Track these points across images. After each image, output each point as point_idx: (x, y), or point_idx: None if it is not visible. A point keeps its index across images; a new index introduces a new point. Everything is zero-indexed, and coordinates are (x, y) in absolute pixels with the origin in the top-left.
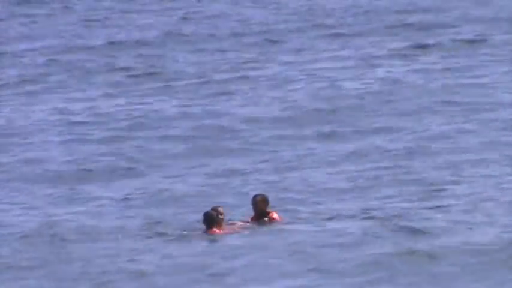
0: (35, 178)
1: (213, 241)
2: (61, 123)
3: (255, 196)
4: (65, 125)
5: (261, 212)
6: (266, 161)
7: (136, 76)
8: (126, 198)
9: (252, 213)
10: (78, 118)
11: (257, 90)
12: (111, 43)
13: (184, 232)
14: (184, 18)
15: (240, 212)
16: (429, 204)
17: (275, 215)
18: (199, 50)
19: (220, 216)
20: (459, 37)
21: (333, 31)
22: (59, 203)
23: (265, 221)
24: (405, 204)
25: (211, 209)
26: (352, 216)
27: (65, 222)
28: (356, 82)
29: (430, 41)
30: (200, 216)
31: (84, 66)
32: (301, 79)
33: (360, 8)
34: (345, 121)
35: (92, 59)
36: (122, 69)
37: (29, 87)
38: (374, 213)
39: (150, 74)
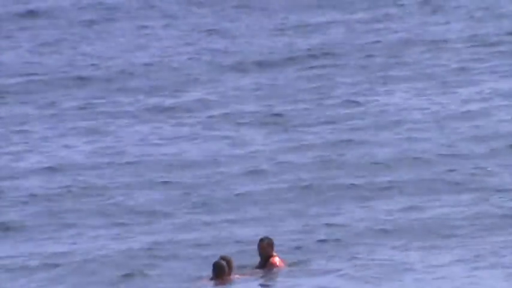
0: None
1: None
2: None
3: (261, 240)
4: None
5: (267, 256)
6: None
7: None
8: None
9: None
10: None
11: None
12: None
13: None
14: None
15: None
16: None
17: (277, 260)
18: None
19: (228, 267)
20: None
21: None
22: None
23: (270, 267)
24: None
25: (221, 258)
26: None
27: None
28: None
29: None
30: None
31: None
32: None
33: None
34: None
35: None
36: None
37: None
38: None
39: None
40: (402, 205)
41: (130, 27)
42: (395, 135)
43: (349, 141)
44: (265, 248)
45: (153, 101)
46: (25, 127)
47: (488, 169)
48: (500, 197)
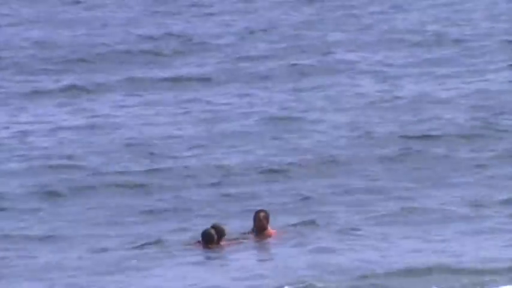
0: None
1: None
2: None
3: (258, 211)
4: None
5: (261, 228)
6: None
7: None
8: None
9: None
10: None
11: None
12: None
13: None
14: None
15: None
16: None
17: (273, 231)
18: None
19: (217, 235)
20: None
21: None
22: None
23: (262, 237)
24: None
25: (211, 227)
26: None
27: None
28: None
29: None
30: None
31: None
32: None
33: None
34: None
35: None
36: None
37: None
38: None
39: None
40: None
41: None
42: None
43: None
44: (261, 220)
45: None
46: None
47: None
48: None
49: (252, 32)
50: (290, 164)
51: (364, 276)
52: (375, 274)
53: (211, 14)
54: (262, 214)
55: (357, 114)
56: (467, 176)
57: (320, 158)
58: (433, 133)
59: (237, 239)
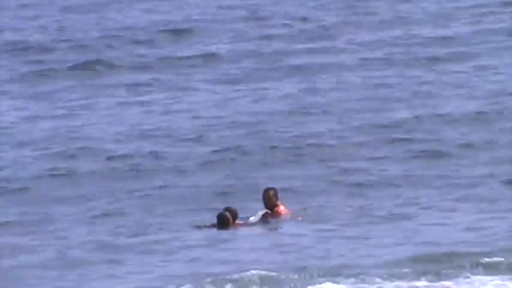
0: None
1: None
2: None
3: (266, 190)
4: None
5: (272, 205)
6: None
7: None
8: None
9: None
10: None
11: None
12: None
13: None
14: None
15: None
16: None
17: (282, 209)
18: None
19: (232, 218)
20: None
21: None
22: None
23: (276, 216)
24: None
25: (225, 209)
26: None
27: None
28: None
29: None
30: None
31: None
32: None
33: None
34: None
35: None
36: None
37: None
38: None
39: None
40: None
41: None
42: None
43: None
44: (271, 198)
45: None
46: None
47: None
48: None
49: None
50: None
51: (346, 266)
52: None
53: None
54: (271, 192)
55: None
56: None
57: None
58: None
59: (249, 219)
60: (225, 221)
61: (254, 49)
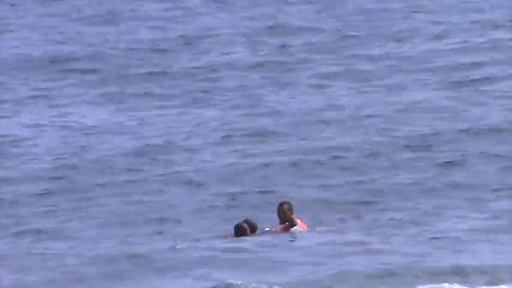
0: None
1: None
2: None
3: (281, 204)
4: None
5: (286, 220)
6: None
7: None
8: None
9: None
10: None
11: None
12: None
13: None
14: None
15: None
16: None
17: (299, 222)
18: None
19: (250, 230)
20: None
21: None
22: None
23: (291, 228)
24: None
25: (244, 222)
26: None
27: None
28: None
29: None
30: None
31: None
32: None
33: None
34: None
35: None
36: None
37: None
38: None
39: None
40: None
41: None
42: None
43: None
44: (286, 212)
45: None
46: None
47: None
48: None
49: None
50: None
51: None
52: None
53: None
54: (285, 206)
55: None
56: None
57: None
58: None
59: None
60: (242, 231)
61: (269, 59)
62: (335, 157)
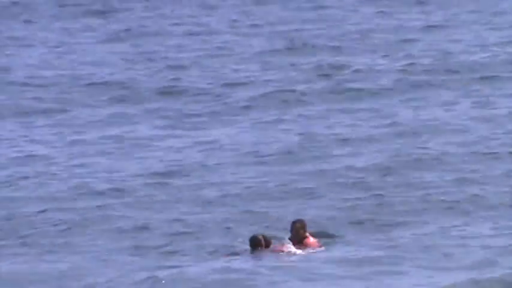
0: None
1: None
2: None
3: (294, 222)
4: None
5: (300, 237)
6: None
7: None
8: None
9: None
10: None
11: None
12: None
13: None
14: None
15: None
16: None
17: (311, 241)
18: None
19: (264, 243)
20: None
21: None
22: None
23: (305, 248)
24: None
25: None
26: None
27: None
28: None
29: None
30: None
31: None
32: None
33: None
34: None
35: None
36: None
37: None
38: None
39: None
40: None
41: None
42: None
43: None
44: (298, 231)
45: None
46: None
47: None
48: None
49: None
50: None
51: None
52: None
53: None
54: (298, 224)
55: None
56: None
57: None
58: None
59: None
60: (256, 242)
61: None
62: (354, 177)
